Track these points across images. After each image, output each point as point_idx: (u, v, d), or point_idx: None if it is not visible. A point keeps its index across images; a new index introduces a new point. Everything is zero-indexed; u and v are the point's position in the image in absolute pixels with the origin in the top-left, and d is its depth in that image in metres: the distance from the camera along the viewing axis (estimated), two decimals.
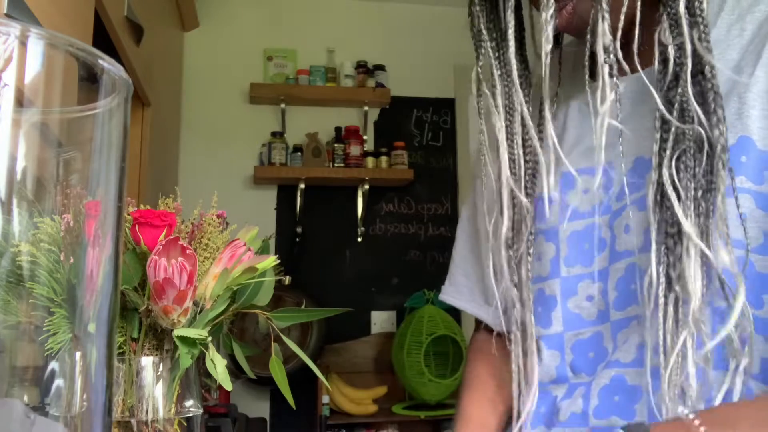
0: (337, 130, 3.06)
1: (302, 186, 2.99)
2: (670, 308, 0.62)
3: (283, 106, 3.05)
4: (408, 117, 3.25)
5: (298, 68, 3.10)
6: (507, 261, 0.78)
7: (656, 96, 0.65)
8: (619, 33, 0.67)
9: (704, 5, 0.65)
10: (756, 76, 0.66)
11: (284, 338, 0.86)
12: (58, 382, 0.33)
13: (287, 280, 0.93)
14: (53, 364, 0.33)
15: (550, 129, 0.73)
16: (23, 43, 0.28)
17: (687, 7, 0.65)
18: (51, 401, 0.32)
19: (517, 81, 0.74)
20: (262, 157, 3.00)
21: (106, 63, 0.30)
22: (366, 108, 3.14)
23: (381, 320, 2.97)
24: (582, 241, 0.76)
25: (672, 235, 0.63)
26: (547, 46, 0.69)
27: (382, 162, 3.03)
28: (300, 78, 3.07)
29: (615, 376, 0.70)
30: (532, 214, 0.77)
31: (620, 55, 0.67)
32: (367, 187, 3.04)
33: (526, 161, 0.76)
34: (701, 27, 0.64)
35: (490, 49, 0.76)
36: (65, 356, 0.33)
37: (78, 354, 0.32)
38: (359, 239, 3.10)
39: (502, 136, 0.76)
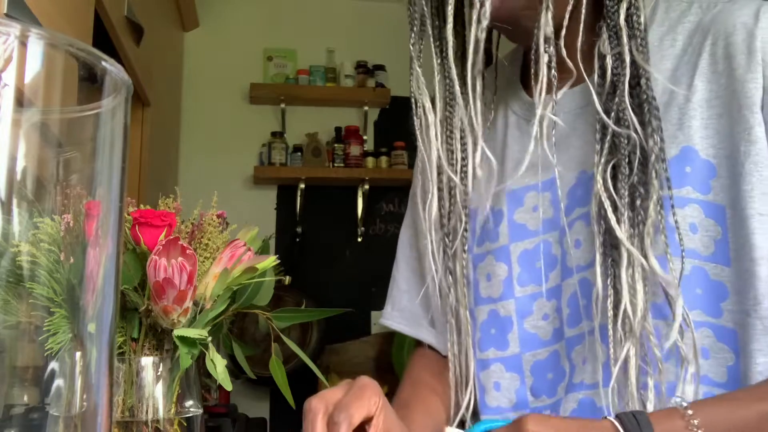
0: (337, 130, 3.06)
1: (302, 186, 2.99)
2: (619, 321, 0.62)
3: (283, 106, 3.05)
4: (408, 117, 3.24)
5: (298, 68, 3.10)
6: (440, 246, 0.77)
7: (598, 105, 0.65)
8: (563, 32, 0.67)
9: (641, 18, 0.66)
10: (695, 86, 0.67)
11: (284, 338, 0.86)
12: (58, 382, 0.33)
13: (287, 280, 0.93)
14: (53, 364, 0.33)
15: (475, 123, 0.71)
16: (23, 43, 0.28)
17: (626, 19, 0.65)
18: (51, 401, 0.32)
19: (452, 58, 0.71)
20: (262, 157, 3.00)
21: (106, 63, 0.30)
22: (366, 108, 3.14)
23: None
24: (533, 260, 0.75)
25: (616, 246, 0.64)
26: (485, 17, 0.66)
27: (382, 162, 3.03)
28: (300, 78, 3.07)
29: (582, 400, 0.69)
30: (467, 208, 0.76)
31: (564, 53, 0.67)
32: (367, 187, 3.04)
33: (463, 158, 0.75)
34: (638, 40, 0.65)
35: (429, 28, 0.74)
36: (65, 356, 0.33)
37: (78, 354, 0.32)
38: (359, 239, 3.10)
39: (432, 117, 0.74)
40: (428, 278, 0.80)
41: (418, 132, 0.76)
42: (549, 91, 0.67)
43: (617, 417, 0.54)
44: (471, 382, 0.75)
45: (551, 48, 0.66)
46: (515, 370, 0.75)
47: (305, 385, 0.73)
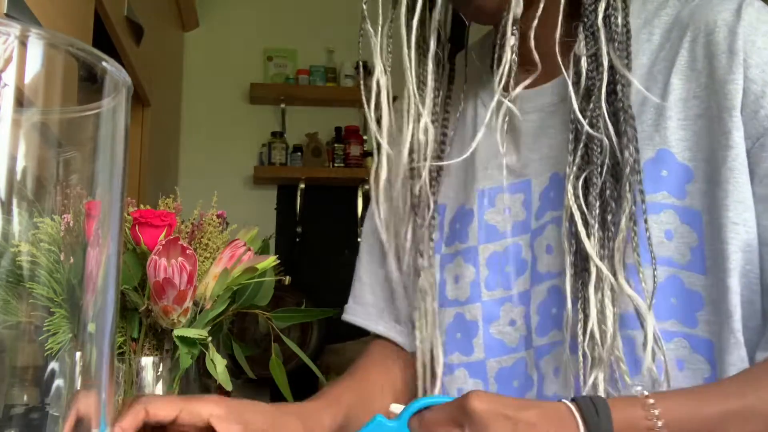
0: (337, 130, 3.06)
1: (302, 186, 2.99)
2: (587, 346, 0.60)
3: (283, 106, 3.05)
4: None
5: (298, 68, 3.10)
6: (409, 227, 0.73)
7: (574, 104, 0.62)
8: (535, 22, 0.64)
9: (619, 19, 0.63)
10: (671, 84, 0.64)
11: (284, 338, 0.86)
12: (58, 382, 0.33)
13: (287, 280, 0.92)
14: (53, 364, 0.33)
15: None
16: (23, 43, 0.28)
17: (604, 20, 0.62)
18: (51, 401, 0.32)
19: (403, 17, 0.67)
20: (262, 157, 3.00)
21: (106, 63, 0.30)
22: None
23: None
24: (503, 263, 0.71)
25: (585, 263, 0.61)
26: None
27: None
28: (300, 78, 3.07)
29: None
30: (434, 195, 0.73)
31: (532, 44, 0.64)
32: (367, 187, 3.03)
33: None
34: (616, 43, 0.62)
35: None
36: (65, 356, 0.33)
37: (78, 354, 0.32)
38: (359, 239, 3.09)
39: (384, 81, 0.70)
40: (392, 265, 0.77)
41: (365, 97, 0.72)
42: (515, 80, 0.64)
43: (573, 400, 0.52)
44: (439, 375, 0.72)
45: (517, 32, 0.63)
46: (479, 376, 0.72)
47: (305, 385, 0.73)
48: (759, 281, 0.60)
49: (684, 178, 0.62)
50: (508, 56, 0.63)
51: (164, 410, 0.56)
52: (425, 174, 0.72)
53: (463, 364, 0.73)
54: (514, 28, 0.63)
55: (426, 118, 0.68)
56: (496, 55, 0.64)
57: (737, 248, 0.59)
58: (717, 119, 0.61)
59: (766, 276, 0.59)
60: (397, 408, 0.56)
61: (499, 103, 0.65)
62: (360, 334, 0.85)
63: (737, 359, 0.59)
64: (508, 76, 0.64)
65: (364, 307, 0.85)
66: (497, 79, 0.64)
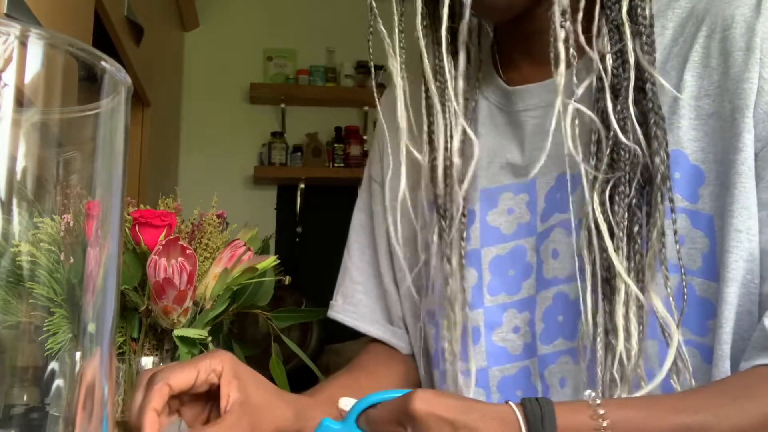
0: (337, 130, 3.06)
1: (302, 186, 2.99)
2: (612, 365, 0.57)
3: (283, 106, 3.05)
4: None
5: (298, 68, 3.10)
6: (434, 229, 0.67)
7: (609, 105, 0.57)
8: (580, 15, 0.59)
9: (647, 11, 0.58)
10: (684, 81, 0.60)
11: (284, 338, 0.86)
12: (58, 382, 0.33)
13: (287, 280, 0.92)
14: (53, 364, 0.33)
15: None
16: (23, 43, 0.28)
17: (629, 12, 0.58)
18: (51, 401, 0.33)
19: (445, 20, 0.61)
20: (262, 157, 3.00)
21: (106, 63, 0.30)
22: (366, 108, 3.13)
23: None
24: (506, 267, 0.68)
25: (608, 280, 0.58)
26: None
27: None
28: (300, 78, 3.07)
29: None
30: (462, 193, 0.66)
31: (581, 37, 0.58)
32: None
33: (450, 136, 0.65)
34: (644, 37, 0.58)
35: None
36: (65, 356, 0.33)
37: (78, 354, 0.32)
38: None
39: (403, 84, 0.64)
40: (388, 268, 0.75)
41: (380, 103, 0.68)
42: (522, 75, 0.60)
43: (521, 402, 0.50)
44: (471, 386, 0.68)
45: (567, 23, 0.58)
46: (480, 385, 0.69)
47: (305, 385, 0.73)
48: (759, 291, 0.57)
49: (696, 180, 0.60)
50: (563, 53, 0.58)
51: (185, 379, 0.56)
52: (456, 172, 0.66)
53: (464, 372, 0.69)
54: (563, 20, 0.58)
55: (468, 129, 0.64)
56: (552, 55, 0.59)
57: (738, 257, 0.57)
58: (729, 119, 0.58)
59: (764, 285, 0.57)
60: (345, 403, 0.55)
61: (565, 105, 0.59)
62: (360, 334, 0.84)
63: (722, 371, 0.57)
64: (569, 73, 0.59)
65: (356, 307, 0.82)
66: (560, 79, 0.59)
